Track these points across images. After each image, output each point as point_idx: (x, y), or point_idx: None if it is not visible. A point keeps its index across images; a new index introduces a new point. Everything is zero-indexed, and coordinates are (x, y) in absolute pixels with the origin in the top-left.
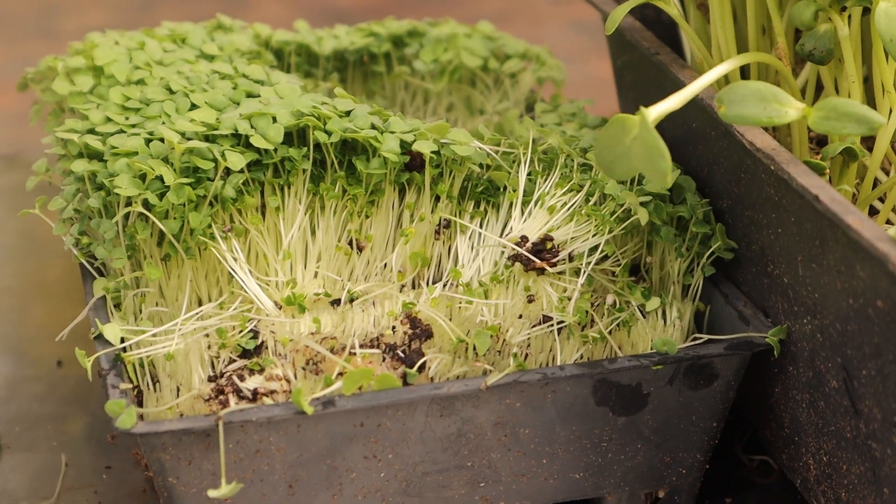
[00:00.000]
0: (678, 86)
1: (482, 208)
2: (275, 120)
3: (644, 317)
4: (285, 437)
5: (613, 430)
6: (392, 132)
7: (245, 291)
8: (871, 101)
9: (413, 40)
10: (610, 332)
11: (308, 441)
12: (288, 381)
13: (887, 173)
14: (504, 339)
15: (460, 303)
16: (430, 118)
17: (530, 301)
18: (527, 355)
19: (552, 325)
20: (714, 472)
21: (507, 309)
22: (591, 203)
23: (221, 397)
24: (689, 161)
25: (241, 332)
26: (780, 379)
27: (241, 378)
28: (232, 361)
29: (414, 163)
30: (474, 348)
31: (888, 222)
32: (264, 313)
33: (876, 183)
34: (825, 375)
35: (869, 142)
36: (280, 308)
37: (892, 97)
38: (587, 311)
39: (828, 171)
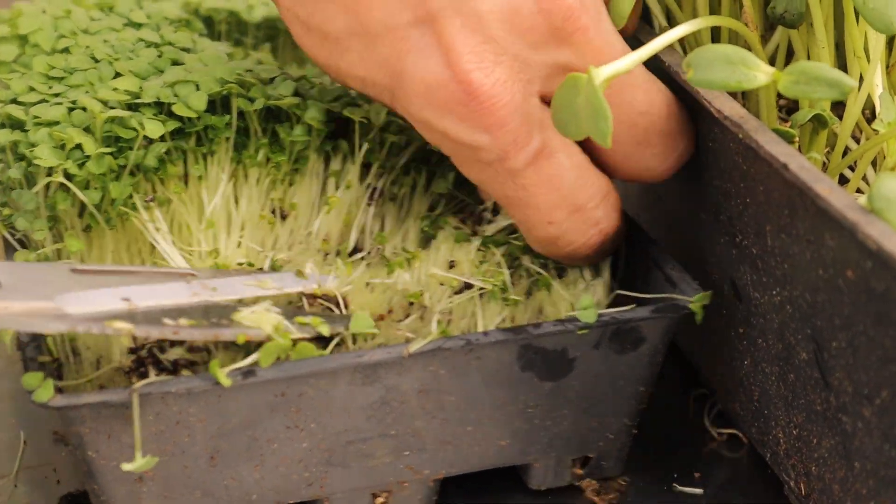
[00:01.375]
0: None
1: (411, 176)
2: (198, 88)
3: (561, 276)
4: (205, 409)
5: (539, 395)
6: (317, 100)
7: (168, 261)
8: (842, 67)
9: None
10: (530, 294)
11: (228, 412)
12: (208, 352)
13: (858, 141)
14: (426, 306)
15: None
16: None
17: (451, 267)
18: (449, 321)
19: (474, 292)
20: (682, 446)
21: (426, 276)
22: None
23: (142, 369)
24: None
25: None
26: (750, 351)
27: (162, 350)
28: None
29: (339, 130)
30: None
31: (858, 191)
32: None
33: (846, 151)
34: (795, 347)
35: (839, 109)
36: None
37: (862, 63)
38: (506, 274)
39: (797, 139)
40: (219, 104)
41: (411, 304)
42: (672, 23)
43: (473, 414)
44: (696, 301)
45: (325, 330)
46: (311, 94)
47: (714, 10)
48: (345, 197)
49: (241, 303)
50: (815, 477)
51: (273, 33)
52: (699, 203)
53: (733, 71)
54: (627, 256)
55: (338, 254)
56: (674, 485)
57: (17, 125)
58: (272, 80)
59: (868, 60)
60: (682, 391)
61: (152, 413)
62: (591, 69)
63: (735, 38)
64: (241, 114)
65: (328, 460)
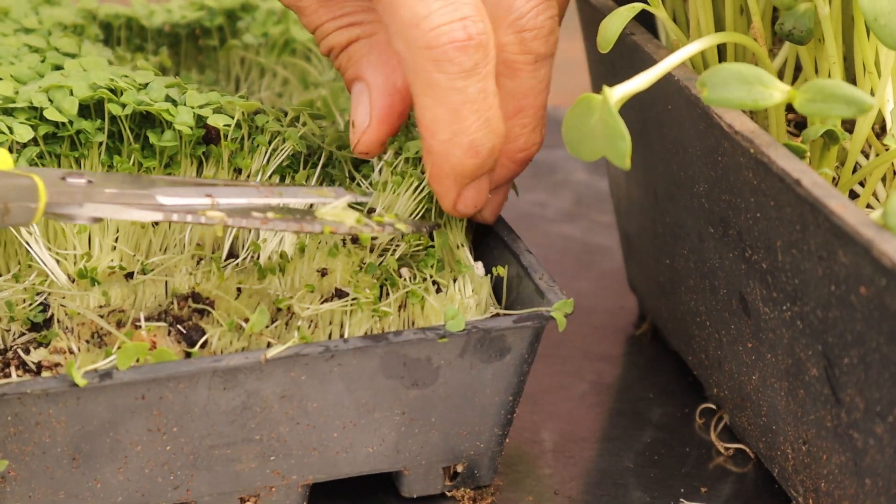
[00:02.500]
0: (650, 66)
1: (287, 182)
2: (72, 92)
3: (438, 291)
4: (65, 410)
5: (405, 403)
6: (188, 105)
7: (40, 265)
8: (850, 82)
9: (246, 14)
10: (403, 306)
11: (89, 414)
12: (73, 353)
13: (868, 157)
14: (293, 313)
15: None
16: (264, 93)
17: (323, 275)
18: (315, 328)
19: (346, 301)
20: (689, 461)
21: (299, 283)
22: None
23: (7, 370)
24: (664, 143)
25: (31, 305)
26: (758, 366)
27: (27, 351)
28: (22, 335)
29: (210, 136)
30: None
31: (868, 207)
32: (56, 286)
33: (856, 167)
34: (805, 363)
35: (848, 124)
36: (73, 281)
37: (873, 78)
38: (381, 286)
39: (808, 154)
40: (93, 109)
41: (279, 310)
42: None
43: (338, 420)
44: (556, 309)
45: (403, 227)
46: (182, 100)
47: (719, 25)
48: None
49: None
50: (825, 493)
51: (175, 40)
52: (707, 218)
53: (749, 90)
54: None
55: (211, 260)
56: (681, 500)
57: None
58: (146, 85)
59: (879, 75)
60: (689, 405)
61: (11, 413)
62: (605, 89)
63: (742, 56)
64: (113, 118)
65: (193, 464)
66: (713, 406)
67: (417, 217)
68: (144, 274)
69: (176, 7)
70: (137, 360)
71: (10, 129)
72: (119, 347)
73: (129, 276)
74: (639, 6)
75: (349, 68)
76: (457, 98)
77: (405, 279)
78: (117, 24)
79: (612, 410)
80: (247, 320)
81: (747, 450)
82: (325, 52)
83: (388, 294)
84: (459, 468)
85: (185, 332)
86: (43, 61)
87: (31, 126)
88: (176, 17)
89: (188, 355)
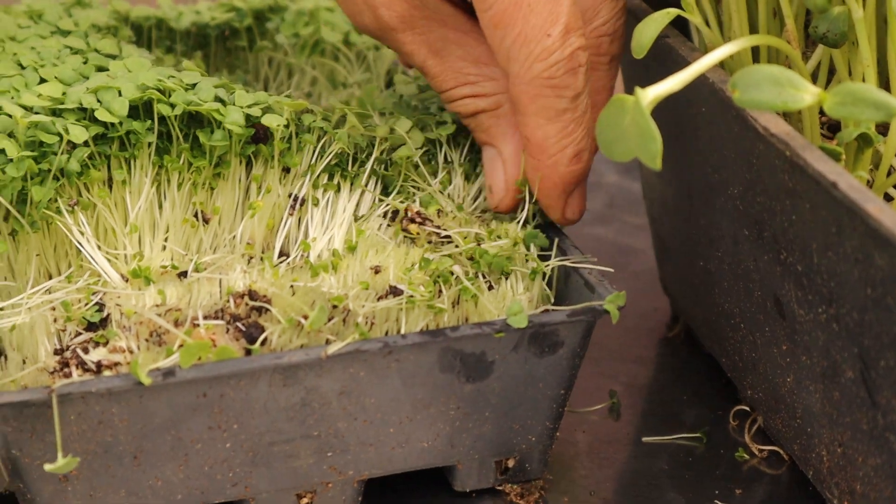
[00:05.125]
0: (684, 68)
1: (335, 181)
2: (120, 93)
3: (491, 288)
4: (127, 409)
5: (460, 398)
6: (237, 105)
7: (93, 265)
8: (884, 85)
9: (275, 15)
10: (457, 302)
11: (151, 412)
12: (132, 352)
13: None
14: (348, 310)
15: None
16: (293, 93)
17: (376, 272)
18: (372, 325)
19: (402, 298)
20: (723, 462)
21: (354, 280)
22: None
23: (66, 370)
24: (698, 145)
25: (86, 305)
26: (793, 368)
27: (86, 351)
28: (78, 335)
29: (259, 135)
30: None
31: None
32: (111, 286)
33: (891, 170)
34: (841, 366)
35: (882, 127)
36: (127, 281)
37: None
38: (435, 282)
39: (843, 157)
40: (141, 109)
41: (334, 307)
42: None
43: (395, 416)
44: (609, 302)
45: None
46: (231, 100)
47: (752, 27)
48: (267, 201)
49: None
50: (860, 496)
51: (204, 41)
52: (741, 220)
53: (780, 92)
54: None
55: (262, 259)
56: (715, 502)
57: None
58: (194, 85)
59: None
60: (722, 407)
61: (74, 413)
62: (637, 90)
63: (775, 58)
64: (163, 119)
65: (252, 460)
66: (747, 408)
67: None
68: (198, 272)
69: (205, 8)
70: (199, 358)
71: (65, 129)
72: (180, 346)
73: (182, 274)
74: (674, 12)
75: (478, 133)
76: (568, 116)
77: (458, 275)
78: (147, 26)
79: (645, 412)
80: (305, 317)
81: (781, 452)
82: (451, 111)
83: (441, 291)
84: (511, 462)
85: (244, 329)
86: (85, 63)
87: (84, 127)
88: (205, 18)
89: (248, 353)
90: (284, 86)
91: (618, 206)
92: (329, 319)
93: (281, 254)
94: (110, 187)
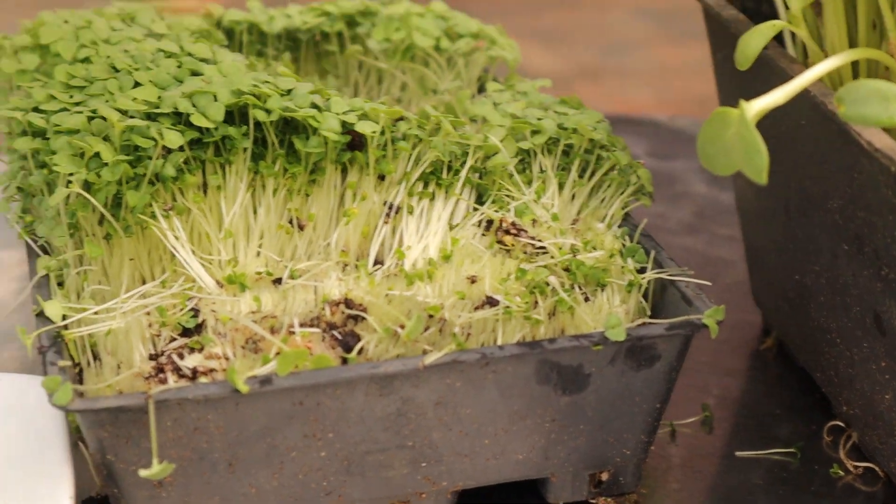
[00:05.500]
0: (785, 80)
1: (430, 189)
2: (215, 98)
3: (587, 300)
4: (224, 416)
5: (556, 410)
6: (333, 111)
7: (187, 270)
8: None
9: (365, 19)
10: (553, 314)
11: (247, 419)
12: (227, 359)
13: None
14: (446, 320)
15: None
16: (383, 97)
17: (473, 282)
18: (468, 335)
19: (497, 309)
20: (817, 478)
21: (449, 289)
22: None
23: (161, 375)
24: (797, 158)
25: (181, 310)
26: (892, 385)
27: (181, 356)
28: (173, 340)
29: (354, 142)
30: None
31: None
32: (205, 292)
33: None
34: None
35: None
36: (221, 287)
37: None
38: (531, 292)
39: None
40: (237, 114)
41: (430, 316)
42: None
43: (490, 427)
44: (708, 316)
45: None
46: (326, 106)
47: (851, 39)
48: (362, 209)
49: None
50: None
51: (294, 45)
52: (841, 234)
53: (887, 107)
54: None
55: (357, 266)
56: None
57: (39, 133)
58: (289, 91)
59: None
60: (816, 423)
61: (170, 419)
62: (741, 103)
63: (874, 70)
64: (258, 124)
65: (346, 469)
66: (842, 424)
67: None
68: (293, 279)
69: (296, 12)
70: (296, 367)
71: (160, 134)
72: (277, 353)
73: (277, 281)
74: (780, 24)
75: None
76: None
77: (554, 287)
78: (239, 30)
79: (738, 426)
80: (401, 327)
81: (877, 469)
82: None
83: (537, 302)
84: (604, 475)
85: (340, 337)
86: (179, 67)
87: (179, 132)
88: (296, 22)
89: (344, 361)
90: (374, 90)
91: (707, 216)
92: (425, 329)
93: (374, 262)
94: (205, 192)
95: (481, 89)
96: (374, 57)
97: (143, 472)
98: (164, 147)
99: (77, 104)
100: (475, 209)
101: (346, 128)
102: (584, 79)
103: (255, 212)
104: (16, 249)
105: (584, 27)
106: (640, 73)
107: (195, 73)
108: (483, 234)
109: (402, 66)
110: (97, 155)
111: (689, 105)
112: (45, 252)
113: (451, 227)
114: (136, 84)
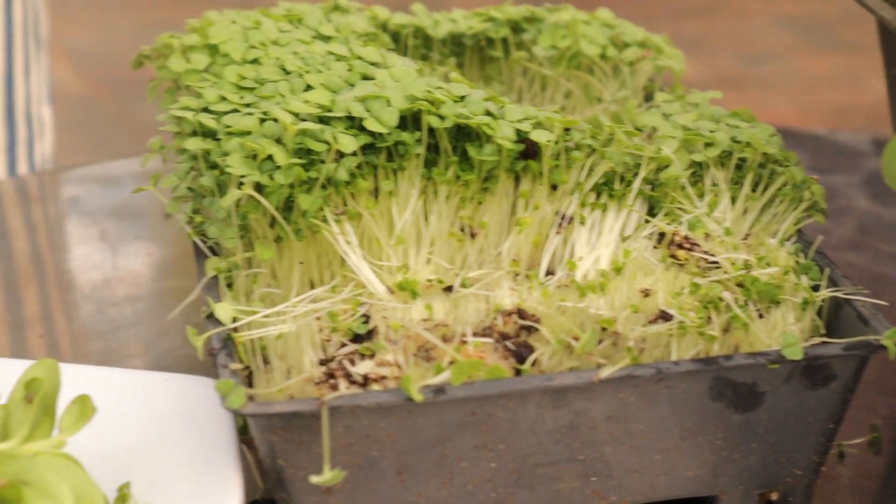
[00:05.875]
0: None
1: (602, 200)
2: (389, 103)
3: (761, 316)
4: (396, 424)
5: (728, 427)
6: (507, 119)
7: (357, 275)
8: None
9: (531, 26)
10: (727, 330)
11: (418, 428)
12: (399, 367)
13: None
14: (619, 334)
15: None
16: (547, 105)
17: (646, 296)
18: (642, 350)
19: (671, 324)
20: None
21: (622, 302)
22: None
23: (332, 381)
24: None
25: (352, 315)
26: None
27: (352, 362)
28: (343, 345)
29: (528, 151)
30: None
31: None
32: (376, 298)
33: None
34: None
35: None
36: (392, 293)
37: None
38: (705, 308)
39: None
40: (409, 120)
41: (604, 329)
42: None
43: (661, 443)
44: (887, 337)
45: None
46: (500, 114)
47: None
48: (535, 218)
49: None
50: None
51: (459, 49)
52: None
53: None
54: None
55: (527, 276)
56: None
57: (209, 134)
58: (463, 97)
59: None
60: None
61: (342, 426)
62: None
63: None
64: (431, 130)
65: (516, 482)
66: None
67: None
68: (465, 288)
69: (460, 17)
70: (469, 377)
71: (334, 138)
72: (450, 363)
73: (447, 289)
74: None
75: None
76: None
77: (728, 303)
78: (404, 34)
79: None
80: (575, 339)
81: None
82: None
83: (710, 317)
84: (774, 496)
85: (513, 348)
86: (350, 70)
87: (352, 136)
88: (462, 27)
89: (517, 372)
90: (538, 98)
91: (870, 232)
92: (598, 342)
93: (545, 272)
94: (376, 198)
95: (646, 99)
96: (539, 64)
97: (314, 479)
98: (337, 151)
99: (248, 106)
100: (647, 221)
101: (521, 136)
102: (724, 87)
103: (426, 218)
104: (165, 247)
105: (724, 35)
106: (781, 82)
107: (366, 77)
108: (654, 247)
109: (567, 74)
110: (269, 157)
111: (829, 116)
112: (214, 253)
113: (623, 239)
114: (307, 87)
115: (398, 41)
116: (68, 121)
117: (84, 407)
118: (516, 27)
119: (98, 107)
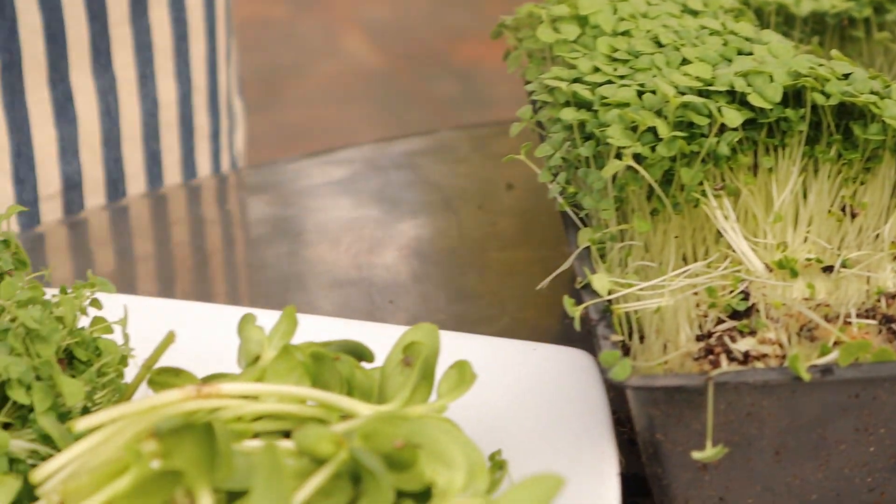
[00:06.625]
0: None
1: None
2: (772, 79)
3: None
4: (778, 403)
5: None
6: (894, 99)
7: (734, 252)
8: None
9: (894, 6)
10: None
11: (800, 408)
12: (780, 345)
13: None
14: None
15: None
16: None
17: None
18: None
19: None
20: None
21: None
22: None
23: (711, 357)
24: None
25: (731, 292)
26: None
27: (732, 339)
28: (720, 322)
29: None
30: None
31: None
32: (756, 275)
33: None
34: None
35: None
36: (771, 271)
37: None
38: None
39: None
40: (790, 97)
41: None
42: None
43: None
44: None
45: None
46: (887, 93)
47: None
48: None
49: None
50: None
51: (820, 28)
52: None
53: None
54: None
55: None
56: None
57: (584, 104)
58: (847, 75)
59: None
60: None
61: (724, 402)
62: None
63: None
64: (813, 108)
65: (893, 467)
66: None
67: None
68: (845, 268)
69: None
70: (856, 358)
71: (718, 112)
72: (835, 343)
73: (826, 269)
74: None
75: None
76: None
77: None
78: (767, 11)
79: None
80: None
81: None
82: None
83: None
84: None
85: None
86: (725, 45)
87: (736, 110)
88: (825, 6)
89: None
90: None
91: None
92: None
93: None
94: (755, 174)
95: None
96: None
97: (696, 455)
98: (719, 125)
99: (622, 77)
100: None
101: None
102: None
103: (804, 196)
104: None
105: None
106: None
107: (741, 53)
108: None
109: None
110: (650, 129)
111: None
112: (585, 224)
113: None
114: (683, 60)
115: (760, 18)
116: (364, 95)
117: (463, 373)
118: (879, 7)
119: (393, 81)
